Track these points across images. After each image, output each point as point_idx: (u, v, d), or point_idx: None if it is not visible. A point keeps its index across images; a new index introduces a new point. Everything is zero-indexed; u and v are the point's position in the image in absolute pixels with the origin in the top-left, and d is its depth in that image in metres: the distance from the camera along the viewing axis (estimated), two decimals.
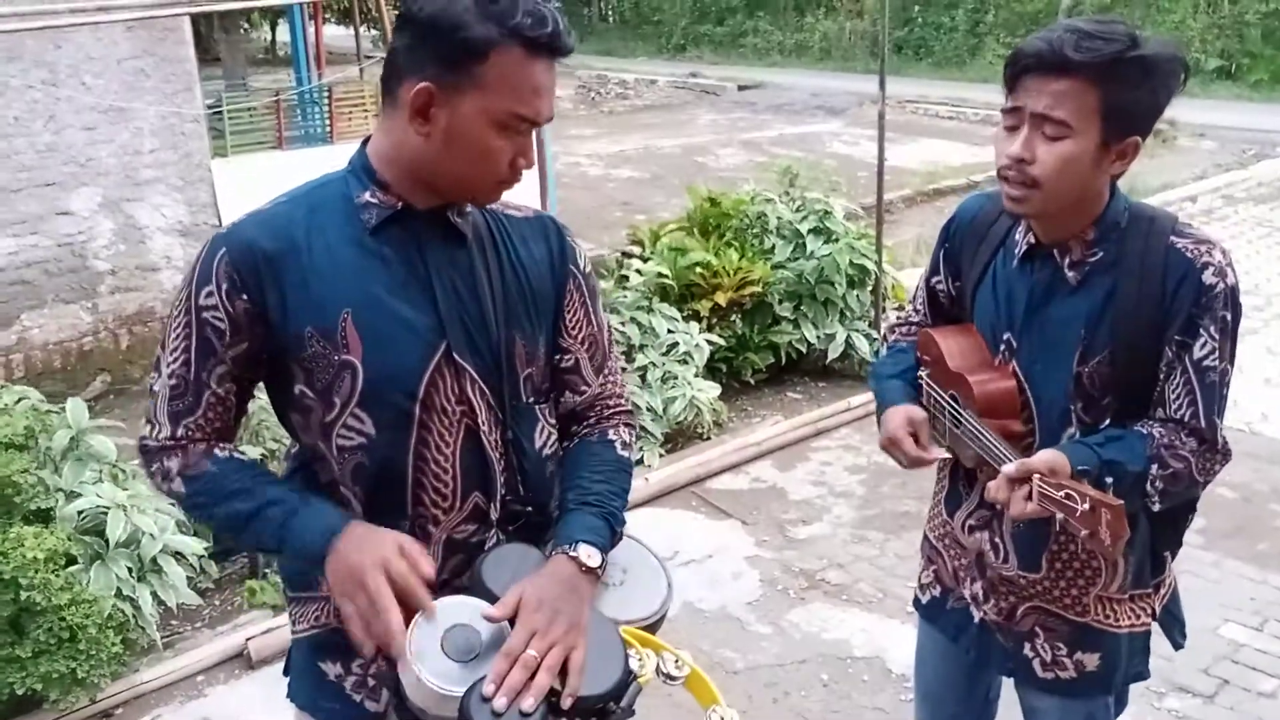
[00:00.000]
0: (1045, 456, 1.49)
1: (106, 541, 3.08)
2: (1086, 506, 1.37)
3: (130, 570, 3.11)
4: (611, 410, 1.58)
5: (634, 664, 1.32)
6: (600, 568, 1.39)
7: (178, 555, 3.26)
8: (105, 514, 3.11)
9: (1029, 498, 1.46)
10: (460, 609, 1.32)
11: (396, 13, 1.33)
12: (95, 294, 5.92)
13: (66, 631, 2.84)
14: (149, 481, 1.46)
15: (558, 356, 1.53)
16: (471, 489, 1.43)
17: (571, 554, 1.37)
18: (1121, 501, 1.35)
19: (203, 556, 3.37)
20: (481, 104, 1.28)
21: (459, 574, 1.45)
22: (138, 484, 3.39)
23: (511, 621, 1.30)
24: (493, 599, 1.33)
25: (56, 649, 2.83)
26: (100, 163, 5.78)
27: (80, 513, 3.14)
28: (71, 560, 3.02)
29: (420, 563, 1.31)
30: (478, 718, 1.20)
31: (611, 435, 1.56)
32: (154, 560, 3.17)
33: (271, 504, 1.37)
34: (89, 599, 2.91)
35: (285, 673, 1.59)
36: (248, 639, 3.22)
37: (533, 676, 1.24)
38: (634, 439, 1.60)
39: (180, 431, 1.40)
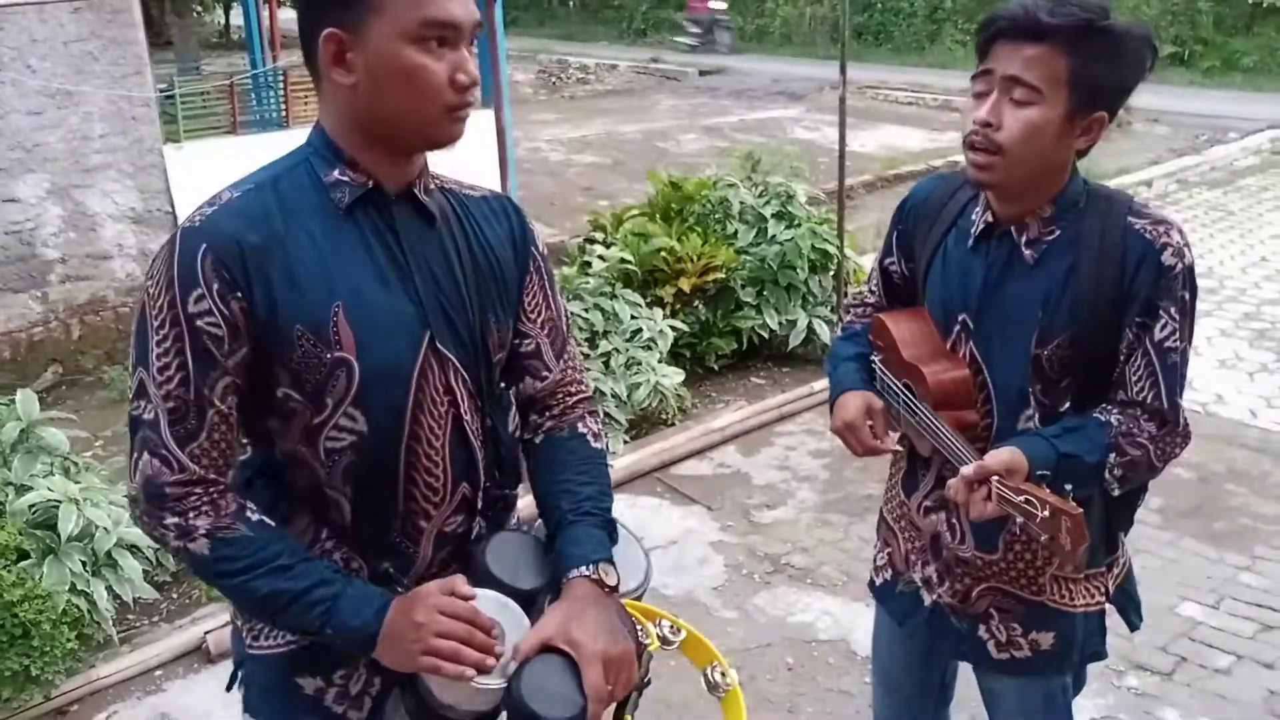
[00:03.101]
0: (1002, 457, 1.49)
1: (59, 535, 3.02)
2: (1046, 513, 1.38)
3: (84, 564, 3.05)
4: (575, 399, 1.54)
5: (640, 636, 1.33)
6: (616, 584, 1.37)
7: (133, 548, 3.20)
8: (57, 507, 3.05)
9: (988, 499, 1.46)
10: (479, 601, 1.30)
11: None
12: (45, 283, 5.78)
13: (19, 628, 2.78)
14: (152, 529, 1.29)
15: (518, 341, 1.49)
16: (460, 479, 1.40)
17: (594, 577, 1.34)
18: (1081, 510, 1.36)
19: (158, 549, 3.31)
20: (388, 26, 1.23)
21: (446, 566, 1.43)
22: (90, 476, 3.32)
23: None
24: (502, 586, 1.32)
25: (9, 646, 2.77)
26: (48, 148, 5.63)
27: (31, 507, 3.08)
28: (23, 555, 2.96)
29: (461, 589, 1.29)
30: (531, 700, 1.20)
31: (581, 428, 1.51)
32: (108, 554, 3.11)
33: (319, 585, 1.27)
34: (42, 595, 2.85)
35: (229, 687, 1.50)
36: (206, 633, 3.17)
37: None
38: (601, 427, 1.56)
39: (189, 462, 1.26)
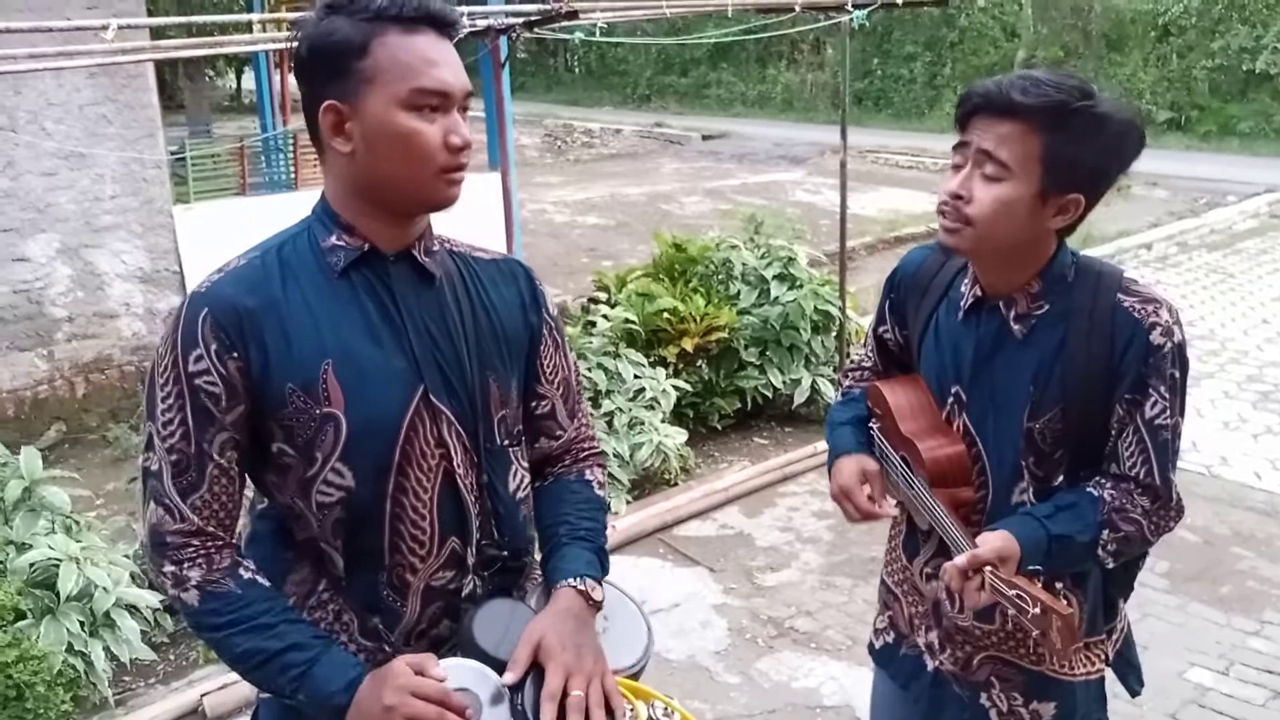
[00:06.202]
0: (995, 544, 1.49)
1: (58, 595, 3.00)
2: (1037, 610, 1.38)
3: (82, 624, 3.02)
4: (585, 453, 1.60)
5: (627, 715, 1.31)
6: (601, 601, 1.42)
7: (131, 609, 3.18)
8: (57, 566, 3.03)
9: (981, 587, 1.47)
10: (459, 671, 1.29)
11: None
12: (51, 341, 5.82)
13: (13, 690, 2.75)
14: (155, 576, 1.35)
15: (534, 403, 1.53)
16: (448, 534, 1.41)
17: (580, 588, 1.40)
18: (1071, 610, 1.37)
19: (157, 610, 3.29)
20: (382, 95, 1.28)
21: (436, 623, 1.43)
22: (91, 535, 3.31)
23: (521, 681, 1.29)
24: (486, 658, 1.31)
25: (2, 708, 2.74)
26: (59, 208, 5.71)
27: (31, 565, 3.06)
28: (21, 615, 2.93)
29: (432, 670, 1.28)
30: None
31: (588, 475, 1.58)
32: (107, 614, 3.09)
33: (294, 648, 1.31)
34: (38, 655, 2.82)
35: None
36: (203, 695, 3.13)
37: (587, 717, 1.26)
38: (605, 479, 1.62)
39: (190, 513, 1.32)
